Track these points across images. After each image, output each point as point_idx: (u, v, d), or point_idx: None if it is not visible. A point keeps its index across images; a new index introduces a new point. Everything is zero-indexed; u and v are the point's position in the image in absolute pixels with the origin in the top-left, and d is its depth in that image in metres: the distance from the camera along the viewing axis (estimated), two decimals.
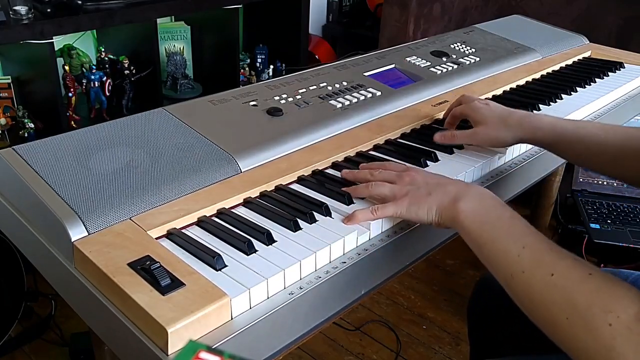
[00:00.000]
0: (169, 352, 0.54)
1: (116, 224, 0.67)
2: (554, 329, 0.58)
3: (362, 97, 1.02)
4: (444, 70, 1.18)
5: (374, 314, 1.86)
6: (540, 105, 1.10)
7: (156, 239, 0.67)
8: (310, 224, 0.71)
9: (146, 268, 0.59)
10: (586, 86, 1.22)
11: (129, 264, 0.61)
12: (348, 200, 0.75)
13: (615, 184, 2.01)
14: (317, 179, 0.82)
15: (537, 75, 1.28)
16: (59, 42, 1.92)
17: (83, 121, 1.92)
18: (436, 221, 0.70)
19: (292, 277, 0.63)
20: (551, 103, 1.12)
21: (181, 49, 2.25)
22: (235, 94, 0.97)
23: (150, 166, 0.76)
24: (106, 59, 2.01)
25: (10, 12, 1.62)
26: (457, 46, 1.31)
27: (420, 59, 1.21)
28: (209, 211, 0.73)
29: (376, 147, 0.93)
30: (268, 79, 2.40)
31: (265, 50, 2.45)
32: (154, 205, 0.71)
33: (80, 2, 1.70)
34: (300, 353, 1.68)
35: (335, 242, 0.67)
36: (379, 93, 1.04)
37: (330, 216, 0.73)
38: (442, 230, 0.79)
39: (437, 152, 0.89)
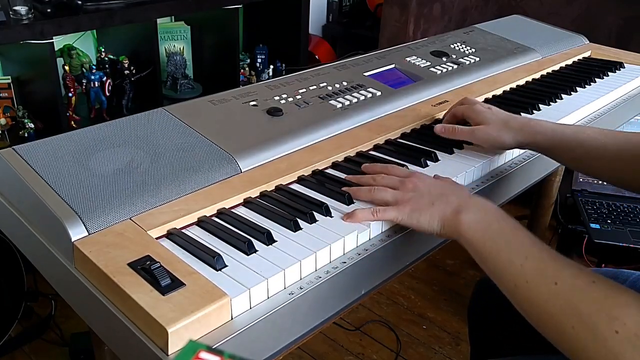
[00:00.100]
0: (169, 352, 0.54)
1: (116, 224, 0.67)
2: (560, 338, 0.58)
3: (362, 97, 1.02)
4: (444, 70, 1.18)
5: (374, 314, 1.86)
6: (540, 105, 1.10)
7: (156, 239, 0.67)
8: (310, 224, 0.71)
9: (146, 268, 0.59)
10: (586, 86, 1.22)
11: (129, 264, 0.61)
12: (348, 200, 0.75)
13: None
14: (317, 179, 0.82)
15: (537, 75, 1.28)
16: (59, 42, 1.92)
17: (83, 121, 1.93)
18: (437, 232, 0.70)
19: (292, 277, 0.63)
20: (551, 103, 1.12)
21: (181, 49, 2.25)
22: (235, 94, 0.97)
23: (150, 166, 0.76)
24: (106, 59, 2.01)
25: (10, 12, 1.62)
26: (457, 46, 1.31)
27: (420, 59, 1.21)
28: (209, 211, 0.73)
29: (376, 147, 0.93)
30: (268, 79, 2.40)
31: (265, 50, 2.45)
32: (154, 205, 0.71)
33: (80, 2, 1.70)
34: (300, 353, 1.68)
35: (336, 242, 0.67)
36: (379, 93, 1.04)
37: (330, 216, 0.73)
38: None
39: (437, 152, 0.89)
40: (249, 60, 2.46)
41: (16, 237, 0.79)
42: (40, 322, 1.71)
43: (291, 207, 0.73)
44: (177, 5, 1.96)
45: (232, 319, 0.58)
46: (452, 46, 1.31)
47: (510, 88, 1.20)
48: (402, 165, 0.85)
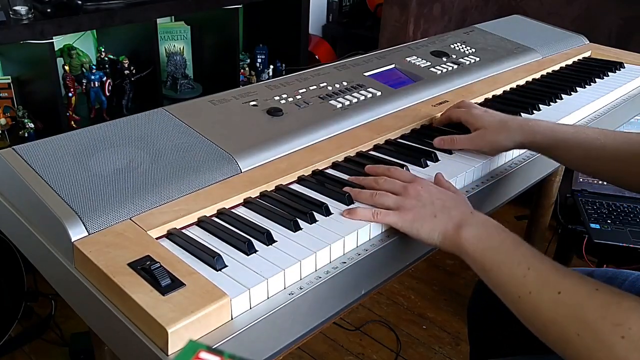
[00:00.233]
0: (169, 352, 0.54)
1: (116, 224, 0.67)
2: (566, 347, 0.58)
3: (362, 97, 1.02)
4: (444, 70, 1.18)
5: (374, 314, 1.86)
6: (541, 105, 1.10)
7: (156, 239, 0.67)
8: (310, 224, 0.71)
9: (146, 268, 0.59)
10: (586, 86, 1.22)
11: (129, 264, 0.61)
12: (348, 200, 0.75)
13: None
14: (317, 179, 0.82)
15: (537, 75, 1.28)
16: (59, 42, 1.92)
17: (83, 121, 1.93)
18: (437, 244, 0.71)
19: (292, 277, 0.63)
20: (551, 103, 1.12)
21: (181, 49, 2.25)
22: (235, 94, 0.97)
23: (150, 166, 0.76)
24: (106, 59, 2.01)
25: (10, 12, 1.62)
26: (457, 46, 1.31)
27: (420, 59, 1.21)
28: (209, 211, 0.73)
29: (376, 147, 0.93)
30: (268, 79, 2.40)
31: (265, 50, 2.45)
32: (154, 205, 0.71)
33: (80, 2, 1.70)
34: (300, 353, 1.68)
35: (336, 242, 0.67)
36: (379, 93, 1.04)
37: (330, 216, 0.73)
38: None
39: (437, 152, 0.89)
40: (249, 60, 2.46)
41: (16, 237, 0.79)
42: (40, 322, 1.71)
43: (291, 207, 0.73)
44: (177, 5, 1.96)
45: (232, 319, 0.58)
46: (452, 46, 1.31)
47: (511, 88, 1.20)
48: (402, 166, 0.85)
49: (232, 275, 0.61)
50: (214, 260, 0.62)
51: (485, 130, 0.88)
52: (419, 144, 0.93)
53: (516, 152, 0.95)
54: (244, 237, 0.66)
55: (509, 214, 2.12)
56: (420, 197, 0.73)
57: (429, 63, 1.20)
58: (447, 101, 1.07)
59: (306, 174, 0.83)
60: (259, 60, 2.46)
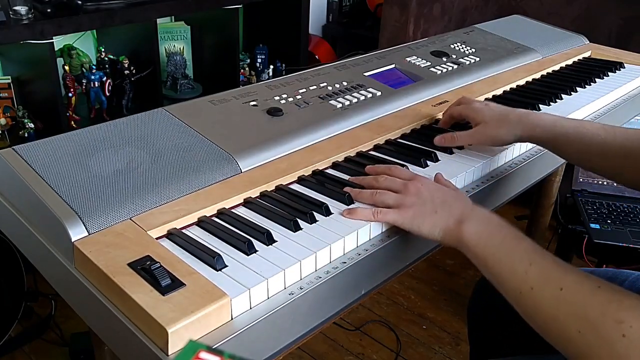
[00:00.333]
0: (169, 352, 0.54)
1: (116, 224, 0.67)
2: (567, 344, 0.58)
3: (362, 97, 1.02)
4: (444, 70, 1.18)
5: (374, 314, 1.86)
6: (541, 106, 1.10)
7: (156, 239, 0.67)
8: (310, 224, 0.71)
9: (146, 268, 0.59)
10: (586, 86, 1.22)
11: (129, 264, 0.61)
12: (348, 200, 0.75)
13: (615, 184, 2.01)
14: (317, 179, 0.82)
15: (537, 75, 1.28)
16: (59, 42, 1.92)
17: (83, 121, 1.93)
18: (438, 240, 0.71)
19: (292, 277, 0.63)
20: (551, 103, 1.12)
21: (181, 49, 2.25)
22: (235, 94, 0.97)
23: (150, 166, 0.76)
24: (106, 59, 2.01)
25: (10, 12, 1.62)
26: (457, 46, 1.31)
27: (420, 59, 1.21)
28: (209, 211, 0.73)
29: (376, 147, 0.93)
30: (268, 79, 2.40)
31: (265, 50, 2.45)
32: (154, 205, 0.71)
33: (80, 2, 1.70)
34: (300, 353, 1.68)
35: (336, 242, 0.67)
36: (379, 93, 1.04)
37: (330, 216, 0.73)
38: None
39: (437, 152, 0.89)
40: (249, 60, 2.46)
41: (16, 237, 0.79)
42: (40, 322, 1.71)
43: (291, 207, 0.73)
44: (177, 5, 1.96)
45: (232, 319, 0.58)
46: (452, 46, 1.31)
47: (511, 88, 1.20)
48: (402, 166, 0.85)
49: (232, 275, 0.61)
50: (214, 260, 0.62)
51: (485, 125, 0.88)
52: (419, 144, 0.93)
53: (516, 152, 0.95)
54: (244, 237, 0.66)
55: (509, 214, 2.12)
56: (421, 194, 0.73)
57: (429, 63, 1.20)
58: (447, 101, 1.07)
59: (306, 174, 0.83)
60: (259, 60, 2.46)
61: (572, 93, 1.18)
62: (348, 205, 0.75)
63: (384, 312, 1.86)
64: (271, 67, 2.45)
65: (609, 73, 1.31)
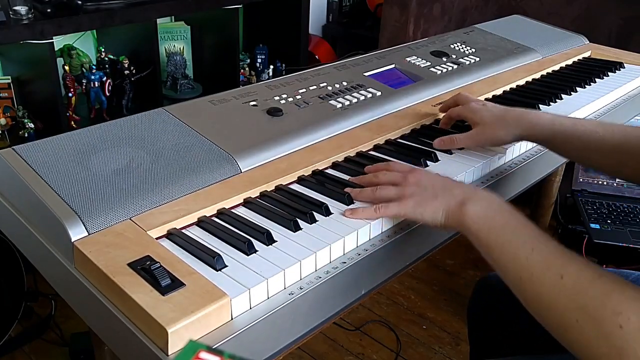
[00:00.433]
0: (169, 352, 0.54)
1: (116, 224, 0.67)
2: (564, 332, 0.58)
3: (362, 97, 1.02)
4: (444, 70, 1.18)
5: (374, 314, 1.86)
6: (540, 106, 1.10)
7: (156, 239, 0.67)
8: (310, 224, 0.71)
9: (146, 268, 0.59)
10: (586, 86, 1.22)
11: (129, 264, 0.61)
12: (348, 200, 0.75)
13: (615, 184, 2.01)
14: (317, 179, 0.82)
15: (537, 75, 1.28)
16: (59, 42, 1.92)
17: (83, 121, 1.92)
18: (442, 224, 0.70)
19: (292, 277, 0.63)
20: (551, 103, 1.12)
21: (181, 49, 2.25)
22: (235, 94, 0.97)
23: (150, 166, 0.76)
24: (106, 59, 2.01)
25: (10, 12, 1.62)
26: (457, 46, 1.31)
27: (420, 59, 1.21)
28: (209, 211, 0.73)
29: (376, 147, 0.93)
30: (268, 79, 2.40)
31: (265, 50, 2.45)
32: (154, 205, 0.71)
33: (80, 2, 1.70)
34: (300, 353, 1.68)
35: (336, 242, 0.67)
36: (379, 93, 1.04)
37: (330, 216, 0.73)
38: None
39: (437, 152, 0.89)
40: (249, 60, 2.46)
41: (16, 237, 0.79)
42: (40, 322, 1.71)
43: (291, 207, 0.73)
44: (177, 5, 1.96)
45: (232, 319, 0.58)
46: (452, 46, 1.31)
47: (510, 88, 1.20)
48: None
49: (232, 275, 0.61)
50: (214, 260, 0.62)
51: (484, 126, 0.88)
52: (419, 144, 0.93)
53: (516, 152, 0.95)
54: (244, 237, 0.66)
55: None
56: (420, 182, 0.73)
57: (429, 63, 1.20)
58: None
59: (306, 174, 0.83)
60: (259, 60, 2.46)
61: (572, 93, 1.18)
62: (348, 205, 0.75)
63: (384, 312, 1.86)
64: (271, 67, 2.45)
65: (609, 73, 1.31)
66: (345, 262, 0.67)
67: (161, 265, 0.60)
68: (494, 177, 0.89)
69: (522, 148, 0.96)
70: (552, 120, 0.86)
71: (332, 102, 0.99)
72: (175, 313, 0.55)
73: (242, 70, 2.37)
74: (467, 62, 1.23)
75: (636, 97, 1.26)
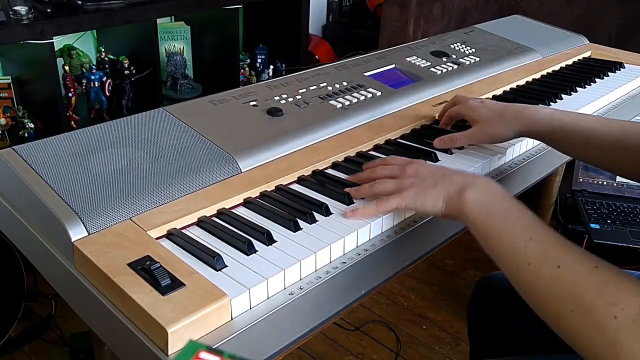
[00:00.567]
0: (169, 353, 0.54)
1: (116, 224, 0.67)
2: (559, 322, 0.58)
3: (362, 97, 1.02)
4: (444, 70, 1.18)
5: (374, 314, 1.86)
6: (541, 106, 1.09)
7: (156, 239, 0.67)
8: (310, 224, 0.71)
9: (146, 268, 0.59)
10: (586, 86, 1.22)
11: (129, 264, 0.61)
12: (348, 200, 0.75)
13: (615, 184, 2.01)
14: (317, 179, 0.82)
15: (537, 75, 1.28)
16: (59, 42, 1.92)
17: (83, 121, 1.93)
18: (442, 211, 0.70)
19: (292, 277, 0.63)
20: (551, 103, 1.12)
21: (181, 49, 2.25)
22: (235, 94, 0.97)
23: (150, 166, 0.76)
24: (106, 59, 2.01)
25: (10, 12, 1.62)
26: (457, 46, 1.31)
27: (420, 59, 1.21)
28: (209, 211, 0.73)
29: (376, 147, 0.93)
30: (268, 79, 2.40)
31: (265, 50, 2.45)
32: (154, 205, 0.71)
33: (80, 2, 1.70)
34: (300, 353, 1.68)
35: (336, 242, 0.67)
36: (379, 93, 1.04)
37: (330, 216, 0.73)
38: (442, 230, 0.79)
39: (437, 152, 0.89)
40: (249, 60, 2.46)
41: (16, 237, 0.79)
42: (40, 322, 1.71)
43: (291, 207, 0.73)
44: (177, 5, 1.96)
45: (232, 319, 0.58)
46: (452, 46, 1.31)
47: (511, 88, 1.20)
48: None
49: (232, 275, 0.61)
50: (214, 260, 0.62)
51: (483, 124, 0.88)
52: (419, 144, 0.93)
53: (517, 152, 0.95)
54: (244, 237, 0.66)
55: None
56: (419, 172, 0.73)
57: (429, 63, 1.20)
58: (447, 101, 1.07)
59: (306, 174, 0.83)
60: (259, 60, 2.46)
61: (572, 93, 1.18)
62: (348, 205, 0.75)
63: (384, 312, 1.86)
64: (271, 67, 2.45)
65: (609, 73, 1.31)
66: (345, 262, 0.67)
67: (161, 265, 0.60)
68: (494, 177, 0.89)
69: (522, 148, 0.96)
70: (551, 116, 0.86)
71: (332, 102, 0.99)
72: (175, 313, 0.55)
73: (242, 70, 2.37)
74: (467, 62, 1.23)
75: (636, 97, 1.26)
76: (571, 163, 1.76)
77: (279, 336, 0.62)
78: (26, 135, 1.76)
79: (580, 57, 1.43)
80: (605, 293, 0.55)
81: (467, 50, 1.30)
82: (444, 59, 1.24)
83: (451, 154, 0.91)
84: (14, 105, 1.82)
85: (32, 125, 1.76)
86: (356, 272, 0.68)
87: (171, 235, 0.68)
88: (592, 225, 1.84)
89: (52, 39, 1.65)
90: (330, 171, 0.85)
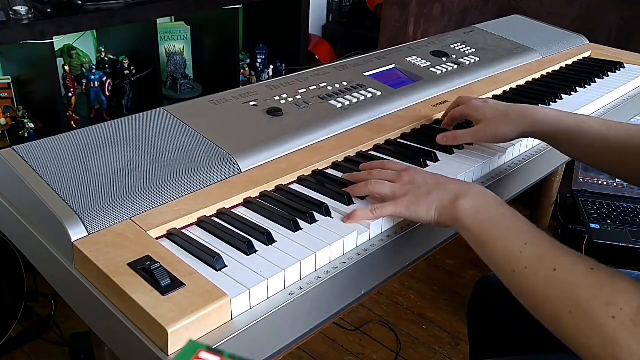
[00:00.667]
0: (169, 353, 0.54)
1: (116, 224, 0.67)
2: (558, 324, 0.58)
3: (362, 97, 1.02)
4: (444, 70, 1.18)
5: (374, 314, 1.86)
6: (541, 106, 1.09)
7: (156, 239, 0.67)
8: (310, 224, 0.71)
9: (146, 268, 0.59)
10: (586, 86, 1.22)
11: (129, 264, 0.61)
12: (348, 201, 0.75)
13: (615, 184, 2.01)
14: (317, 179, 0.82)
15: (537, 75, 1.28)
16: (59, 42, 1.92)
17: (83, 121, 1.93)
18: (436, 220, 0.70)
19: (292, 277, 0.63)
20: (551, 103, 1.12)
21: (181, 49, 2.25)
22: (235, 94, 0.97)
23: (150, 166, 0.76)
24: (106, 59, 2.01)
25: (10, 12, 1.62)
26: (457, 46, 1.31)
27: (420, 59, 1.21)
28: (209, 211, 0.73)
29: (376, 147, 0.93)
30: (268, 79, 2.40)
31: (265, 50, 2.45)
32: (154, 205, 0.71)
33: (80, 2, 1.70)
34: (300, 353, 1.68)
35: (335, 242, 0.67)
36: (379, 93, 1.04)
37: (330, 216, 0.73)
38: (442, 230, 0.79)
39: (437, 152, 0.89)
40: (249, 60, 2.46)
41: (16, 237, 0.79)
42: (40, 322, 1.71)
43: (291, 207, 0.73)
44: (177, 5, 1.96)
45: (232, 319, 0.58)
46: (452, 46, 1.31)
47: (511, 88, 1.20)
48: None
49: (232, 275, 0.61)
50: (214, 260, 0.62)
51: (486, 123, 0.88)
52: (419, 144, 0.93)
53: (517, 152, 0.95)
54: (244, 237, 0.66)
55: None
56: (414, 180, 0.73)
57: (429, 63, 1.20)
58: (447, 101, 1.07)
59: (306, 174, 0.83)
60: (259, 60, 2.46)
61: (572, 93, 1.18)
62: (348, 205, 0.75)
63: (384, 312, 1.86)
64: (271, 67, 2.45)
65: (609, 73, 1.31)
66: (345, 262, 0.67)
67: (161, 265, 0.60)
68: (494, 177, 0.89)
69: (522, 148, 0.96)
70: (556, 117, 0.86)
71: (332, 102, 0.99)
72: (175, 313, 0.55)
73: (242, 70, 2.37)
74: (467, 62, 1.23)
75: (636, 97, 1.26)
76: (571, 163, 1.76)
77: (279, 336, 0.62)
78: (26, 135, 1.76)
79: (580, 57, 1.43)
80: (602, 293, 0.55)
81: (467, 50, 1.30)
82: (444, 59, 1.24)
83: (451, 154, 0.91)
84: (14, 105, 1.82)
85: (32, 125, 1.76)
86: (356, 272, 0.68)
87: (171, 235, 0.68)
88: (592, 225, 1.84)
89: (52, 39, 1.65)
90: (330, 171, 0.85)
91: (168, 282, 0.58)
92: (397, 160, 0.86)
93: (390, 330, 1.79)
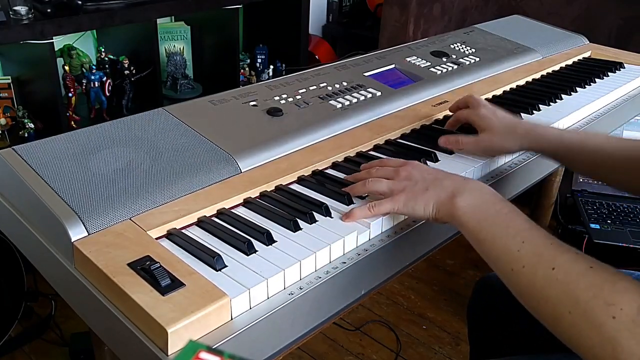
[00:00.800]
0: (169, 353, 0.54)
1: (116, 224, 0.67)
2: (557, 324, 0.58)
3: (362, 97, 1.02)
4: (444, 70, 1.18)
5: (374, 314, 1.86)
6: (540, 106, 1.10)
7: (156, 239, 0.67)
8: (310, 224, 0.71)
9: (146, 268, 0.59)
10: (586, 86, 1.22)
11: (129, 264, 0.61)
12: (348, 200, 0.75)
13: None
14: (317, 179, 0.82)
15: (537, 76, 1.28)
16: (59, 42, 1.92)
17: (83, 121, 1.93)
18: (434, 216, 0.70)
19: (292, 277, 0.63)
20: (551, 103, 1.12)
21: (181, 49, 2.25)
22: (235, 94, 0.97)
23: (150, 166, 0.76)
24: (106, 59, 2.01)
25: (10, 12, 1.62)
26: (457, 46, 1.31)
27: (420, 59, 1.21)
28: (209, 211, 0.73)
29: (376, 147, 0.93)
30: (268, 79, 2.40)
31: (265, 50, 2.45)
32: (154, 205, 0.71)
33: (80, 2, 1.70)
34: (300, 353, 1.68)
35: (335, 242, 0.67)
36: (379, 93, 1.04)
37: (330, 216, 0.73)
38: (442, 230, 0.79)
39: (437, 152, 0.89)
40: (249, 60, 2.46)
41: (16, 237, 0.79)
42: (40, 322, 1.71)
43: (291, 207, 0.73)
44: (177, 5, 1.96)
45: (232, 319, 0.58)
46: (452, 46, 1.31)
47: (510, 88, 1.20)
48: None
49: (232, 276, 0.61)
50: (214, 260, 0.62)
51: (492, 135, 0.88)
52: (419, 144, 0.93)
53: (516, 152, 0.95)
54: (244, 237, 0.66)
55: None
56: (412, 176, 0.73)
57: (429, 63, 1.20)
58: (447, 101, 1.07)
59: (306, 174, 0.83)
60: (259, 60, 2.46)
61: (572, 93, 1.18)
62: (348, 205, 0.75)
63: (384, 312, 1.86)
64: (271, 67, 2.45)
65: (609, 73, 1.31)
66: (345, 262, 0.67)
67: (161, 265, 0.60)
68: (494, 177, 0.89)
69: None
70: (560, 135, 0.87)
71: (332, 102, 0.99)
72: (175, 313, 0.55)
73: (242, 70, 2.37)
74: (467, 62, 1.23)
75: (636, 97, 1.26)
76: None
77: (279, 336, 0.62)
78: (26, 135, 1.76)
79: (580, 57, 1.43)
80: (601, 293, 0.55)
81: (467, 50, 1.30)
82: (444, 59, 1.24)
83: (451, 154, 0.90)
84: (14, 105, 1.82)
85: (32, 125, 1.76)
86: (356, 272, 0.68)
87: (171, 235, 0.68)
88: (592, 225, 1.84)
89: (52, 39, 1.65)
90: (330, 171, 0.85)
91: (168, 282, 0.58)
92: (395, 158, 0.86)
93: (390, 330, 1.79)
